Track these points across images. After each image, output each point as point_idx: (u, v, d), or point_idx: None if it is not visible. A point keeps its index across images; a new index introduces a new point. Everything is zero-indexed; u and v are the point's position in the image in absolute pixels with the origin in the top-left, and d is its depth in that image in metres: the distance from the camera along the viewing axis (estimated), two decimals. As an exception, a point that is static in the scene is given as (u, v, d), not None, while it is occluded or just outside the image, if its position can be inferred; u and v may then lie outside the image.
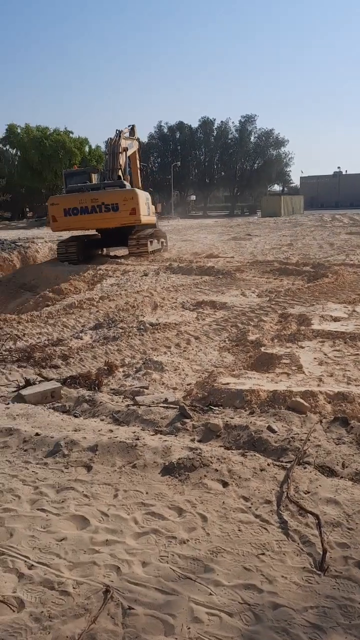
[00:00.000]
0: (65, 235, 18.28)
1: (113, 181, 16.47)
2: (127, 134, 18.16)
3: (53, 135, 47.34)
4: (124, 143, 17.20)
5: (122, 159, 17.22)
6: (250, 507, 3.03)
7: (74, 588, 2.42)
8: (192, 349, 6.64)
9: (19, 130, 48.19)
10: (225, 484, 3.27)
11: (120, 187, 16.09)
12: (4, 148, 53.03)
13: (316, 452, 3.61)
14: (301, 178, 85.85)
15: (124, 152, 17.32)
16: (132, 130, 19.05)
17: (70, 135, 48.69)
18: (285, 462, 3.50)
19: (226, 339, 6.98)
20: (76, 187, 16.26)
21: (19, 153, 49.71)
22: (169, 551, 2.67)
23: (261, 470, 3.40)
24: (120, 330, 7.43)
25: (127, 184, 16.72)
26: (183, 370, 5.90)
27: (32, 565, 2.60)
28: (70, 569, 2.57)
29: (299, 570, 2.51)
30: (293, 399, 4.49)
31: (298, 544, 2.71)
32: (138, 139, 19.95)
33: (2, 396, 5.20)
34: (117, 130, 17.47)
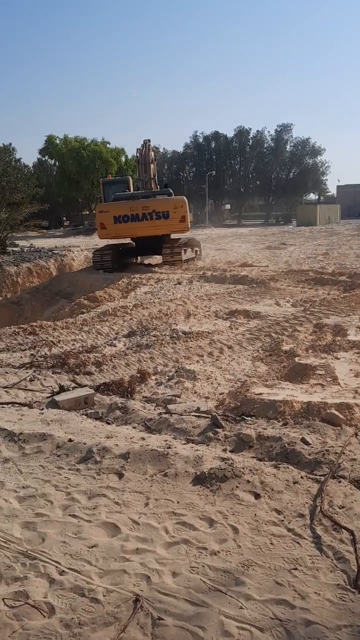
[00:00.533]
0: (101, 243, 18.53)
1: (162, 189, 16.69)
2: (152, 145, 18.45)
3: (90, 146, 48.19)
4: (151, 155, 17.49)
5: (154, 169, 17.49)
6: (282, 521, 2.97)
7: (104, 596, 2.42)
8: (225, 358, 6.60)
9: (57, 142, 49.24)
10: (257, 496, 3.23)
11: (168, 195, 16.37)
12: (44, 159, 54.31)
13: (351, 465, 3.52)
14: (338, 187, 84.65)
15: (154, 163, 17.62)
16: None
17: (107, 145, 49.46)
18: (319, 476, 3.43)
19: (259, 349, 6.92)
20: (125, 195, 16.50)
21: (57, 163, 50.79)
22: (200, 562, 2.65)
23: (294, 483, 3.34)
24: (153, 338, 7.45)
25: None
26: (215, 379, 5.87)
27: (63, 571, 2.61)
28: (101, 576, 2.57)
29: (333, 587, 2.45)
30: (328, 410, 4.41)
31: (332, 560, 2.65)
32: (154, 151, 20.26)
33: (37, 401, 5.28)
34: (144, 140, 17.74)
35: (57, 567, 2.64)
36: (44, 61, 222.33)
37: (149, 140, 18.22)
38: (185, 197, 16.38)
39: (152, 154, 18.19)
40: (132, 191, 17.38)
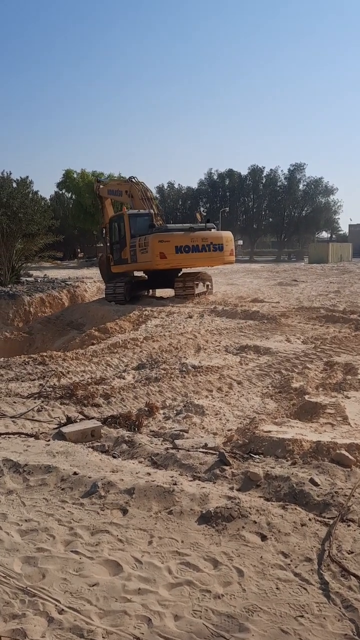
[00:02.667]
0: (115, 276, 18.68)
1: (209, 223, 17.25)
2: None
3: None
4: (149, 192, 18.18)
5: (156, 204, 17.99)
6: (289, 565, 2.89)
7: (103, 637, 2.35)
8: (234, 394, 6.55)
9: (75, 176, 50.43)
10: (263, 537, 3.15)
11: (215, 229, 16.99)
12: (61, 192, 55.55)
13: (361, 509, 3.43)
14: (350, 226, 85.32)
15: (153, 198, 18.20)
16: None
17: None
18: (328, 518, 3.34)
19: (269, 385, 6.86)
20: (179, 227, 17.00)
21: (74, 196, 51.88)
22: (203, 605, 2.57)
23: (302, 525, 3.26)
24: (163, 372, 7.43)
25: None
26: (224, 415, 5.81)
27: (63, 609, 2.55)
28: (101, 616, 2.50)
29: (340, 637, 2.36)
30: (337, 451, 4.33)
31: (340, 608, 2.56)
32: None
33: (43, 433, 5.26)
34: (135, 178, 18.14)
35: (56, 605, 2.58)
36: (69, 102, 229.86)
37: (134, 177, 18.60)
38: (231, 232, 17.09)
39: (149, 191, 18.66)
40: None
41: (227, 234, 16.82)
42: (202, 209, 69.69)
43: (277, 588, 2.70)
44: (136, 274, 17.91)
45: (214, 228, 16.99)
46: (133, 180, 18.13)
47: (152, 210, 17.56)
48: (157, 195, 19.15)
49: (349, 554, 2.96)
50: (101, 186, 20.16)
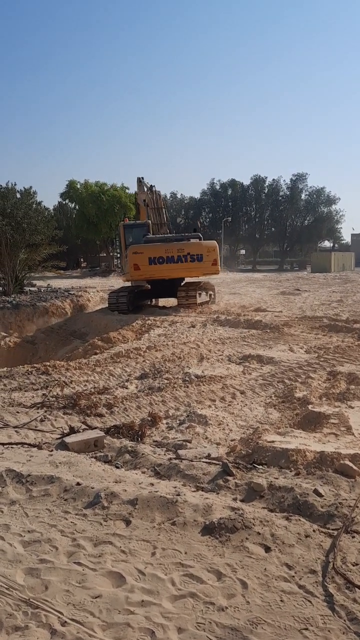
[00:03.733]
0: (116, 285, 18.75)
1: (192, 233, 17.11)
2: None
3: (110, 191, 49.48)
4: (162, 201, 18.10)
5: (166, 214, 17.95)
6: (293, 576, 2.87)
7: (106, 650, 2.34)
8: (237, 404, 6.54)
9: (78, 186, 50.67)
10: (267, 549, 3.13)
11: (200, 239, 16.77)
12: (64, 202, 55.84)
13: (365, 520, 3.41)
14: (352, 235, 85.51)
15: (165, 207, 18.12)
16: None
17: (127, 190, 50.74)
18: (332, 530, 3.32)
19: (272, 395, 6.84)
20: (158, 238, 16.87)
21: (77, 207, 52.11)
22: (207, 618, 2.55)
23: (306, 536, 3.24)
24: (166, 381, 7.42)
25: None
26: (227, 425, 5.79)
27: (66, 622, 2.53)
28: (104, 629, 2.48)
29: (346, 651, 2.34)
30: (341, 461, 4.31)
31: (344, 620, 2.53)
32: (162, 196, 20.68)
33: (46, 443, 5.25)
34: (143, 179, 18.11)
35: (59, 617, 2.57)
36: (72, 113, 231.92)
37: (153, 185, 18.67)
38: (216, 242, 16.79)
39: (162, 199, 18.67)
40: (151, 234, 17.71)
41: (209, 244, 16.44)
42: (204, 218, 69.89)
43: (281, 600, 2.68)
44: (139, 283, 17.94)
45: (198, 238, 16.77)
46: (141, 180, 18.24)
47: (148, 220, 17.67)
48: (146, 205, 19.36)
49: (353, 565, 2.94)
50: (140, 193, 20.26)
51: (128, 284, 18.19)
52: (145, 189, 18.27)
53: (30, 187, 21.19)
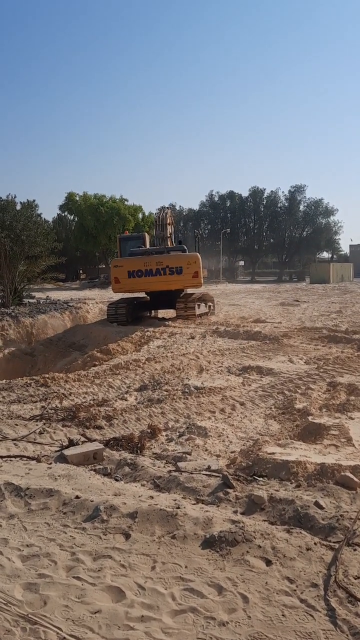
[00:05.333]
0: (116, 297, 18.81)
1: (176, 246, 17.22)
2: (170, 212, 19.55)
3: (109, 203, 49.73)
4: (169, 218, 18.58)
5: (170, 229, 18.24)
6: (295, 590, 2.84)
7: (105, 667, 2.30)
8: (237, 415, 6.51)
9: (77, 198, 50.94)
10: (268, 562, 3.10)
11: (182, 251, 16.85)
12: (63, 214, 56.10)
13: (367, 533, 3.38)
14: (351, 246, 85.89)
15: (172, 224, 18.39)
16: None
17: (125, 202, 51.02)
18: (334, 542, 3.29)
19: (272, 406, 6.82)
20: (139, 251, 17.01)
21: (76, 219, 52.35)
22: (207, 633, 2.52)
23: (307, 549, 3.21)
24: (165, 393, 7.40)
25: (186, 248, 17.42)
26: (227, 437, 5.77)
27: (65, 637, 2.50)
28: (103, 645, 2.45)
29: (349, 667, 2.30)
30: (342, 473, 4.28)
31: (347, 635, 2.50)
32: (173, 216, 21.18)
33: (45, 455, 5.22)
34: (163, 206, 18.85)
35: (58, 633, 2.53)
36: (72, 125, 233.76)
37: (169, 208, 19.16)
38: (198, 254, 16.77)
39: (171, 217, 19.02)
40: (147, 247, 17.87)
41: (190, 256, 16.38)
42: (202, 230, 70.13)
43: (282, 615, 2.65)
44: (138, 294, 18.00)
45: (182, 250, 16.86)
46: (163, 207, 18.96)
47: (144, 233, 17.91)
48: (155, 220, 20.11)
49: (355, 579, 2.91)
50: None
51: (127, 295, 18.28)
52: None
53: (34, 200, 21.37)
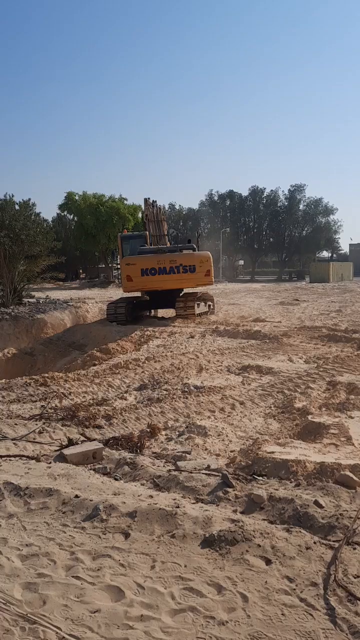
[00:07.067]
0: (115, 296, 18.79)
1: (186, 244, 17.17)
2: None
3: (108, 202, 49.64)
4: (162, 214, 18.39)
5: (165, 226, 18.09)
6: (294, 589, 2.84)
7: (105, 666, 2.30)
8: (237, 414, 6.51)
9: (76, 198, 50.84)
10: (268, 562, 3.09)
11: (193, 250, 16.80)
12: (63, 214, 56.00)
13: (367, 531, 3.38)
14: (350, 245, 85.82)
15: (165, 220, 18.27)
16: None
17: (125, 202, 50.92)
18: (333, 541, 3.29)
19: (272, 405, 6.82)
20: (151, 249, 16.95)
21: (75, 218, 52.24)
22: (207, 632, 2.52)
23: (307, 548, 3.20)
24: (165, 392, 7.40)
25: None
26: (227, 436, 5.76)
27: (64, 637, 2.50)
28: (102, 644, 2.45)
29: (348, 666, 2.30)
30: (342, 472, 4.28)
31: (346, 634, 2.50)
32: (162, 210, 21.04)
33: (44, 455, 5.21)
34: (146, 198, 18.45)
35: (57, 632, 2.53)
36: (71, 124, 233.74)
37: (155, 201, 18.90)
38: (209, 253, 16.87)
39: (162, 212, 18.86)
40: (149, 246, 17.81)
41: (202, 255, 16.54)
42: (202, 229, 70.09)
43: (282, 614, 2.64)
44: (137, 294, 17.98)
45: (192, 249, 16.86)
46: (146, 199, 18.47)
47: (146, 232, 17.77)
48: (146, 218, 19.94)
49: (355, 578, 2.90)
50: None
51: (127, 295, 18.25)
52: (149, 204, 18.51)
53: (29, 199, 21.27)
